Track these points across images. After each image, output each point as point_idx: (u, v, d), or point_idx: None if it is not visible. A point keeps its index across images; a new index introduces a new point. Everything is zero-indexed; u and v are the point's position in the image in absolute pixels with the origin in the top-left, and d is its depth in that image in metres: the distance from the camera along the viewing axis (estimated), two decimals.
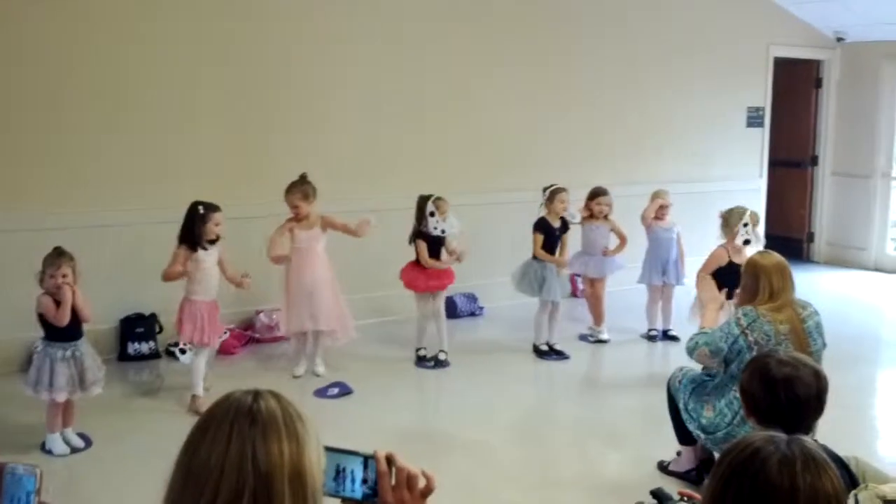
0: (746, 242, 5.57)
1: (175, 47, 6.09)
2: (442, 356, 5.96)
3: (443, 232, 5.84)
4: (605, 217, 6.51)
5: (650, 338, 6.65)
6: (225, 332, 6.12)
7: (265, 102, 6.46)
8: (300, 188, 5.56)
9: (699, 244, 8.38)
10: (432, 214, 5.80)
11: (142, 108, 6.00)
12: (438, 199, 5.87)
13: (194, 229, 5.04)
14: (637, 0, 8.11)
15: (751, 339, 3.69)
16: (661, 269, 6.62)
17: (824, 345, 3.83)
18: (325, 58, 6.69)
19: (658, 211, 6.67)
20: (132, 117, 5.98)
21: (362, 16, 6.81)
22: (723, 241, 5.70)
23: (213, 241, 5.12)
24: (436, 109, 7.19)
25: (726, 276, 5.21)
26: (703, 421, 3.90)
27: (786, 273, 3.78)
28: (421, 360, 6.00)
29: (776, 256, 3.88)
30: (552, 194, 6.19)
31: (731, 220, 5.65)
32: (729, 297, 4.91)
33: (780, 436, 1.57)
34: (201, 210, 5.05)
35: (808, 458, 1.51)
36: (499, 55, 7.41)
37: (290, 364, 5.77)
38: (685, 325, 5.71)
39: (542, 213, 6.24)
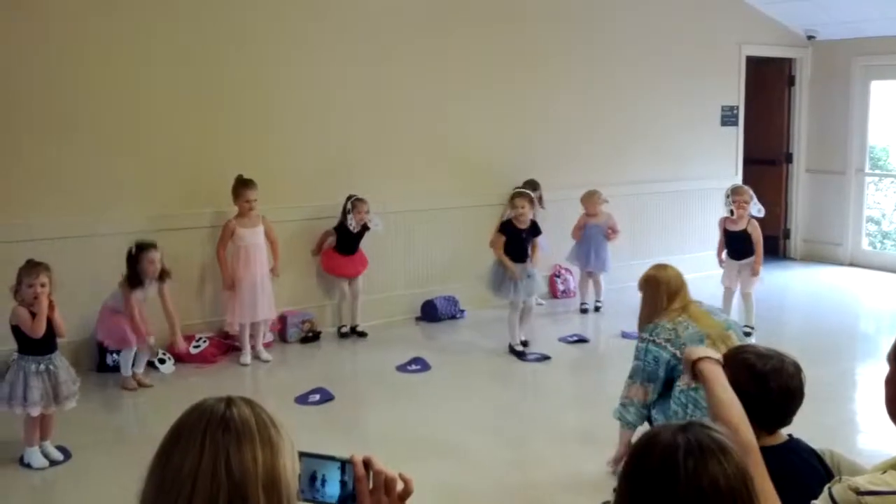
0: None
1: (133, 58, 6.05)
2: (359, 327, 6.71)
3: (354, 229, 6.52)
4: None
5: (583, 311, 7.44)
6: (204, 341, 6.11)
7: (229, 108, 6.43)
8: (253, 184, 5.94)
9: (677, 243, 8.50)
10: (348, 212, 6.49)
11: (128, 114, 5.97)
12: (357, 199, 6.51)
13: (132, 269, 5.42)
14: (610, 2, 8.15)
15: (659, 340, 3.89)
16: (585, 257, 7.37)
17: (735, 322, 4.01)
18: (289, 67, 6.68)
19: (590, 208, 7.35)
20: (119, 122, 5.94)
21: (329, 29, 6.80)
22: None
23: (155, 278, 5.46)
24: (412, 116, 7.17)
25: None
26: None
27: (680, 279, 4.06)
28: (343, 336, 6.64)
29: (672, 268, 4.15)
30: (511, 199, 6.32)
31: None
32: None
33: (675, 424, 1.55)
34: (133, 250, 5.41)
35: (696, 445, 1.48)
36: (474, 60, 7.40)
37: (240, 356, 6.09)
38: None
39: (509, 215, 6.34)
